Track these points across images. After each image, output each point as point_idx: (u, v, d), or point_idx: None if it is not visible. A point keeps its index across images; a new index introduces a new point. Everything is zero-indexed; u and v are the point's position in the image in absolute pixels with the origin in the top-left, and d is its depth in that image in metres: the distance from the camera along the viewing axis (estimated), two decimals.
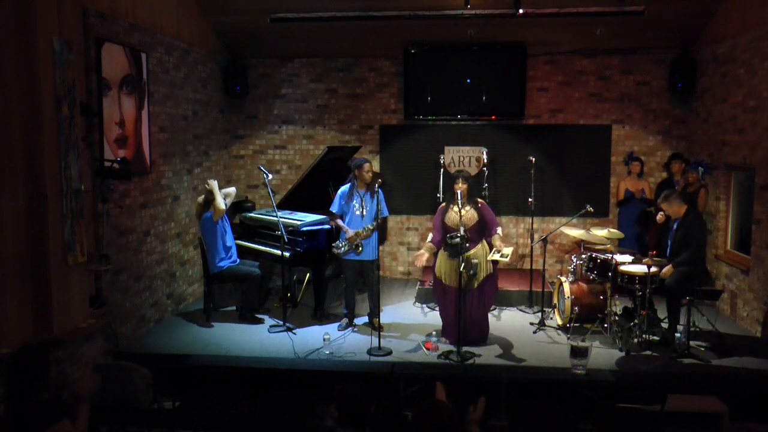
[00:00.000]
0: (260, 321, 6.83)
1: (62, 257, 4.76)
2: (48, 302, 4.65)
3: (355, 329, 6.62)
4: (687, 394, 4.99)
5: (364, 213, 6.49)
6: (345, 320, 6.70)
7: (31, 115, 4.55)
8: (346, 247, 6.38)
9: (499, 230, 6.15)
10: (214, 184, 6.69)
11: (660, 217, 6.78)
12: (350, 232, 6.42)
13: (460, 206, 5.91)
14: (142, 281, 6.52)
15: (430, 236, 6.31)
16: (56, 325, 4.68)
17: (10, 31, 4.42)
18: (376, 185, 6.15)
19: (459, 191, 5.96)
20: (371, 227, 6.40)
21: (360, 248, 6.37)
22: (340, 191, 6.61)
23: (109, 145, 5.82)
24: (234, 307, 7.21)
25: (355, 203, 6.50)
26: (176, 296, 7.34)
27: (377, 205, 6.19)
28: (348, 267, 6.61)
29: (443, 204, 6.28)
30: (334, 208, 6.61)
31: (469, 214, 6.03)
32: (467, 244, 5.86)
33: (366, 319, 6.78)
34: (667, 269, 6.00)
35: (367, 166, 6.51)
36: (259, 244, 7.29)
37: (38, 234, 4.62)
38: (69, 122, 4.80)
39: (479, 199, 6.29)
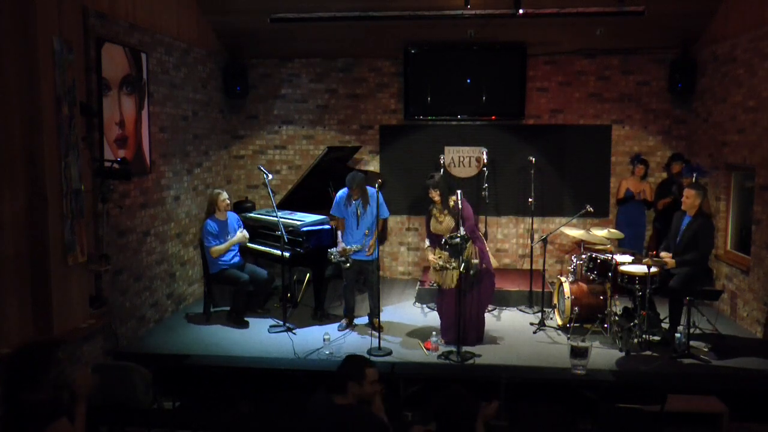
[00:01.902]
0: (246, 324, 6.75)
1: (62, 257, 4.76)
2: (48, 302, 4.65)
3: (355, 329, 6.62)
4: (687, 394, 4.99)
5: (359, 219, 6.49)
6: (345, 320, 6.70)
7: (31, 115, 4.54)
8: (340, 258, 6.41)
9: (462, 230, 5.78)
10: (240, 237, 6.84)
11: (663, 202, 7.00)
12: (340, 246, 6.48)
13: (440, 213, 5.96)
14: (142, 281, 6.52)
15: (426, 242, 6.34)
16: (56, 325, 4.68)
17: (10, 31, 4.42)
18: (376, 185, 6.14)
19: (434, 199, 6.03)
20: (357, 247, 6.42)
21: (349, 262, 6.39)
22: (338, 195, 6.61)
23: (109, 145, 5.82)
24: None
25: (351, 209, 6.52)
26: (176, 296, 7.34)
27: (377, 208, 6.18)
28: (347, 267, 6.60)
29: (430, 207, 6.28)
30: (333, 212, 6.64)
31: (446, 220, 6.05)
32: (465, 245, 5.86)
33: (366, 319, 6.78)
34: (670, 261, 6.00)
35: (354, 190, 6.39)
36: (259, 245, 7.29)
37: (38, 234, 4.61)
38: (69, 122, 4.80)
39: (453, 197, 5.96)
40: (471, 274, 5.97)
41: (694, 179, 7.31)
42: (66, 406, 3.30)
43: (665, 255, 6.08)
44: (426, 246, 6.32)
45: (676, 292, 5.98)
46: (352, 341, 6.29)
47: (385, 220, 6.50)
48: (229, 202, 6.91)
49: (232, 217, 6.99)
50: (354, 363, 3.58)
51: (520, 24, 7.68)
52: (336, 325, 6.70)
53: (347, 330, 6.60)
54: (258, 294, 7.07)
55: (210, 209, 6.85)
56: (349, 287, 6.71)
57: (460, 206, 5.80)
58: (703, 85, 8.00)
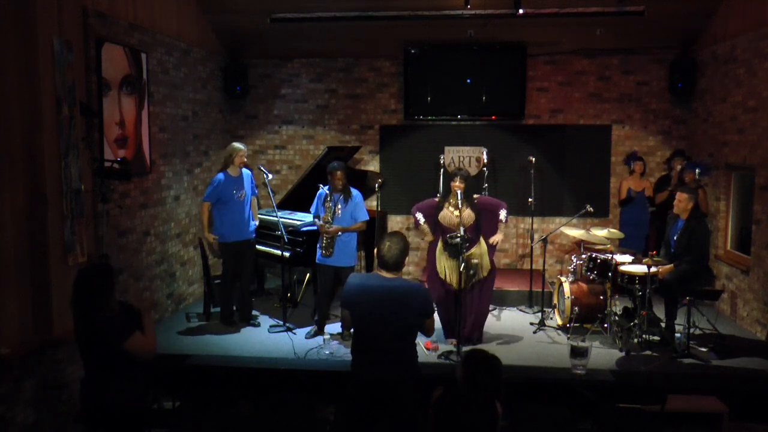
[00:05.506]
0: (233, 324, 6.68)
1: (62, 257, 4.76)
2: (48, 302, 4.65)
3: (326, 337, 6.19)
4: (687, 394, 4.99)
5: (338, 216, 6.19)
6: (314, 328, 6.42)
7: (31, 115, 4.55)
8: (324, 242, 6.17)
9: (503, 213, 6.04)
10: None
11: (661, 196, 7.11)
12: (320, 222, 6.22)
13: (460, 206, 5.88)
14: (142, 281, 6.51)
15: (421, 219, 6.11)
16: (56, 325, 4.68)
17: (10, 31, 4.42)
18: (376, 185, 6.12)
19: (459, 191, 5.91)
20: (334, 226, 6.12)
21: (330, 249, 6.12)
22: (318, 192, 6.39)
23: (109, 146, 5.82)
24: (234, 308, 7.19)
25: (330, 206, 6.22)
26: (176, 296, 7.34)
27: (353, 210, 6.10)
28: (323, 272, 6.34)
29: (437, 199, 6.22)
30: (312, 209, 6.46)
31: (466, 213, 5.98)
32: (467, 244, 5.84)
33: (338, 326, 6.32)
34: (666, 268, 6.00)
35: (337, 173, 6.14)
36: (259, 245, 7.28)
37: (38, 234, 4.62)
38: (69, 122, 4.81)
39: (475, 195, 6.22)
40: (471, 274, 5.96)
41: (697, 175, 7.29)
42: (137, 320, 3.60)
43: (664, 270, 6.03)
44: (423, 223, 6.13)
45: (671, 290, 5.98)
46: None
47: (365, 224, 6.18)
48: (246, 160, 6.58)
49: (246, 176, 6.63)
50: None
51: (520, 24, 7.68)
52: (338, 324, 6.61)
53: (316, 338, 6.27)
54: (241, 300, 6.85)
55: (225, 163, 6.51)
56: (323, 293, 6.39)
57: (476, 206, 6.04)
58: (703, 85, 8.00)
